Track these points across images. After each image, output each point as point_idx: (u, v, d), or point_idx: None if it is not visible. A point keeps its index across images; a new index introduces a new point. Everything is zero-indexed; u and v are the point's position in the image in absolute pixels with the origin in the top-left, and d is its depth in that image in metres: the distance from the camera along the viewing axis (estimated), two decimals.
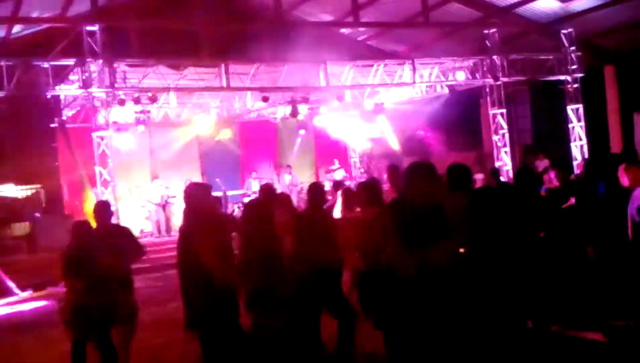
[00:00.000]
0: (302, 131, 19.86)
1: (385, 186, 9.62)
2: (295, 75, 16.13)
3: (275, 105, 18.29)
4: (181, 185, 17.84)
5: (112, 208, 7.07)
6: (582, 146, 17.85)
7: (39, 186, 17.50)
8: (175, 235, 16.82)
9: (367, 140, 21.30)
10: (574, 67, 17.66)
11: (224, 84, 14.80)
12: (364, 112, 20.50)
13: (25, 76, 13.11)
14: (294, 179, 19.36)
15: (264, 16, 18.00)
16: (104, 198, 12.87)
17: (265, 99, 16.21)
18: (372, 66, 16.74)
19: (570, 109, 17.93)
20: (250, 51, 15.61)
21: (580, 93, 17.87)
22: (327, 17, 19.02)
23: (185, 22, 16.94)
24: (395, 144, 20.36)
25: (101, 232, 6.31)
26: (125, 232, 6.67)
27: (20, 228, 16.32)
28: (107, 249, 6.02)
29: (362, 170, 21.66)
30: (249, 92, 16.80)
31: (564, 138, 17.93)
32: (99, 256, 5.96)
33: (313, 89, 16.48)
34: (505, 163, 17.41)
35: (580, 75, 17.74)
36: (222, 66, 14.71)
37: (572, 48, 17.57)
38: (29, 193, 17.41)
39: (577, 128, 17.92)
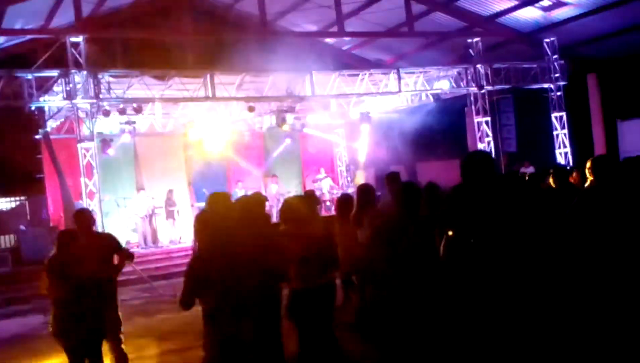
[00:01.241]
0: (287, 140, 19.89)
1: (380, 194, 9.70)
2: (280, 85, 16.16)
3: (261, 115, 18.29)
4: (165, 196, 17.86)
5: (95, 217, 6.98)
6: (566, 153, 18.01)
7: (23, 198, 17.38)
8: (161, 246, 16.92)
9: (353, 149, 21.37)
10: (557, 75, 17.86)
11: (210, 94, 14.79)
12: (349, 122, 20.58)
13: (9, 88, 13.03)
14: (281, 189, 19.34)
15: (249, 26, 18.07)
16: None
17: (251, 109, 16.20)
18: (357, 75, 16.81)
19: (554, 116, 18.10)
20: (235, 60, 15.62)
21: (564, 101, 18.06)
22: (312, 27, 19.11)
23: (170, 32, 16.95)
24: (380, 153, 20.43)
25: (85, 241, 6.25)
26: (109, 238, 6.66)
27: (5, 240, 16.23)
28: (91, 257, 5.98)
29: (349, 179, 21.71)
30: (234, 102, 16.79)
31: (549, 145, 18.09)
32: (83, 265, 5.92)
33: (299, 99, 16.51)
34: None
35: (564, 83, 17.93)
36: (207, 76, 14.70)
37: (555, 57, 17.77)
38: (13, 204, 17.28)
39: (562, 135, 18.09)
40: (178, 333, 8.58)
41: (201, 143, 18.56)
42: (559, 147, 18.06)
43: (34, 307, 11.94)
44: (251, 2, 16.46)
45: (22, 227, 15.83)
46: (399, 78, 16.72)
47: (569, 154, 17.97)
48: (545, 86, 17.99)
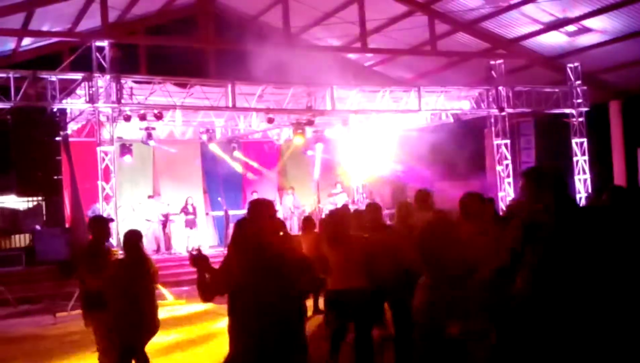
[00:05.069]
0: (310, 152, 19.83)
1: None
2: (301, 98, 16.18)
3: (280, 127, 18.31)
4: (182, 203, 17.90)
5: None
6: (585, 180, 17.82)
7: (40, 198, 17.49)
8: (174, 253, 16.95)
9: (370, 166, 21.26)
10: (580, 101, 17.70)
11: (230, 103, 14.84)
12: (368, 137, 20.51)
13: (33, 88, 13.15)
14: (296, 202, 19.32)
15: (272, 38, 18.14)
16: (104, 214, 12.85)
17: (270, 121, 16.23)
18: (378, 91, 16.80)
19: (574, 142, 17.93)
20: (257, 71, 15.68)
21: (585, 127, 17.89)
22: (335, 42, 19.15)
23: (194, 40, 17.06)
24: (398, 171, 20.33)
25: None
26: None
27: (20, 240, 16.32)
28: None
29: (364, 195, 21.60)
30: (254, 113, 16.83)
31: (568, 171, 17.90)
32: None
33: (318, 113, 16.51)
34: (508, 193, 17.39)
35: (586, 109, 17.77)
36: (229, 85, 14.76)
37: (578, 82, 17.62)
38: (30, 204, 17.40)
39: (581, 162, 17.91)
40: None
41: (218, 151, 18.65)
42: (578, 173, 17.87)
43: (45, 307, 12.02)
44: (276, 14, 16.57)
45: (37, 227, 15.92)
46: (420, 96, 16.68)
47: (588, 181, 17.78)
48: (567, 111, 17.84)
